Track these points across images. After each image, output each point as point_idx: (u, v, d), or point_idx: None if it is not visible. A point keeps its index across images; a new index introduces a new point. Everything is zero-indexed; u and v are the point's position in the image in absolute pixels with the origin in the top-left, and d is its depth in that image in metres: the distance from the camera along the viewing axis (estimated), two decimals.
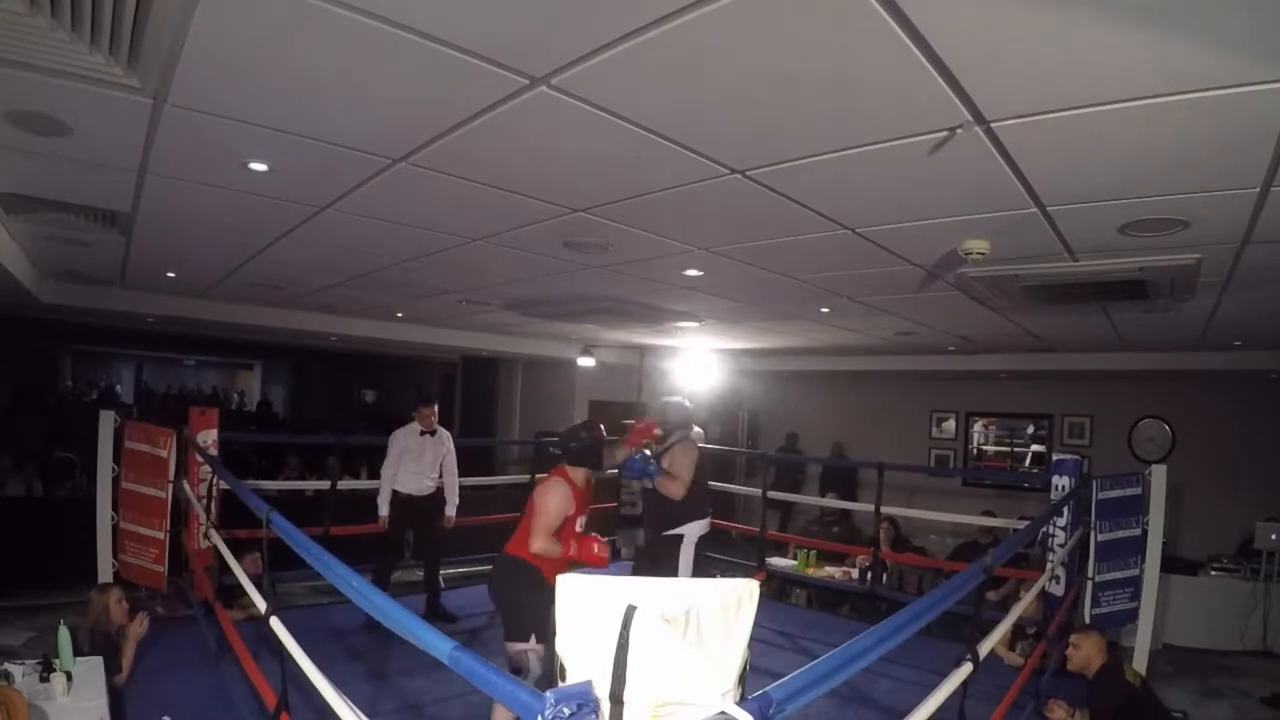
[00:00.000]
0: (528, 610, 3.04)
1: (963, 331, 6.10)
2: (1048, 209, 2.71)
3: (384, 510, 5.03)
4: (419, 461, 5.15)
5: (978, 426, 8.91)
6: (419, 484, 5.17)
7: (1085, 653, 3.54)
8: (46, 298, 5.75)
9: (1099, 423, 8.06)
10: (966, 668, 2.26)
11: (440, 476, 5.28)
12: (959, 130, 2.01)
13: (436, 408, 5.38)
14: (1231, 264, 3.32)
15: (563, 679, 1.26)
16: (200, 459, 4.61)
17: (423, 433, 5.19)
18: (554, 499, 3.17)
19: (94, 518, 4.71)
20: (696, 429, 7.39)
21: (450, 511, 5.29)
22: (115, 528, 4.74)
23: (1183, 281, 3.53)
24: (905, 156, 2.26)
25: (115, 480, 4.77)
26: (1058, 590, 4.46)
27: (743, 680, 1.29)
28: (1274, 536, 5.86)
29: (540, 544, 3.13)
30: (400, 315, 7.13)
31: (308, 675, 2.18)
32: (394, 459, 5.09)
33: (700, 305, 5.54)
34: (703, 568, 4.57)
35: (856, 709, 3.94)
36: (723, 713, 1.22)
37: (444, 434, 5.28)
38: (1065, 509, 4.36)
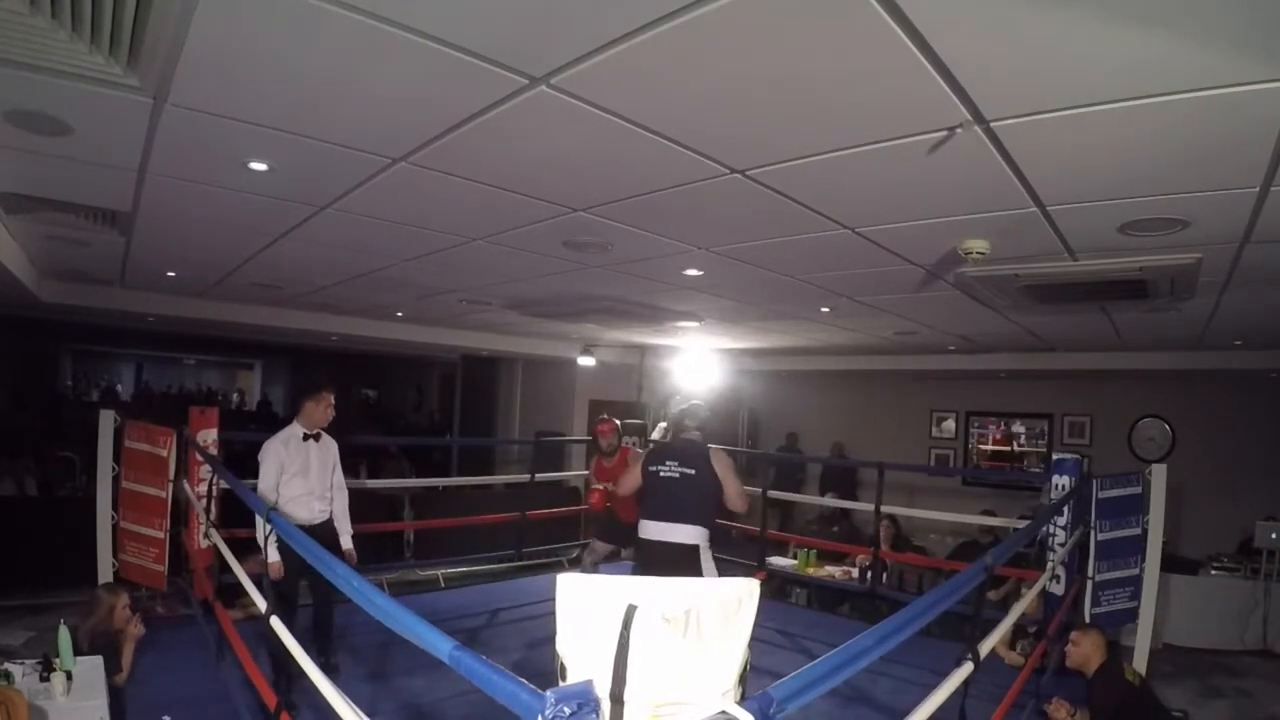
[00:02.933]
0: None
1: (963, 331, 6.10)
2: (1047, 208, 2.71)
3: (273, 554, 3.32)
4: (305, 478, 3.81)
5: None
6: (309, 509, 3.81)
7: (1084, 650, 3.55)
8: (46, 297, 5.75)
9: (1099, 423, 8.06)
10: (967, 667, 2.26)
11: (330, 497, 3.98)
12: (958, 130, 2.01)
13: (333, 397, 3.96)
14: (1231, 264, 3.32)
15: (563, 679, 1.26)
16: (200, 458, 4.61)
17: (306, 436, 3.85)
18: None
19: (94, 517, 4.71)
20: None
21: (347, 543, 3.97)
22: (115, 527, 4.74)
23: (1183, 281, 3.53)
24: (905, 156, 2.26)
25: (115, 480, 4.77)
26: (1058, 590, 4.46)
27: (743, 680, 1.30)
28: (1274, 535, 5.86)
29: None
30: (400, 315, 7.13)
31: (308, 675, 2.18)
32: (272, 480, 3.72)
33: (700, 305, 5.54)
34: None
35: (856, 709, 3.94)
36: (723, 712, 1.22)
37: (329, 439, 4.00)
38: (1065, 508, 4.36)
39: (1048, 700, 3.62)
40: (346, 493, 4.08)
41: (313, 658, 3.51)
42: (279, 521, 2.57)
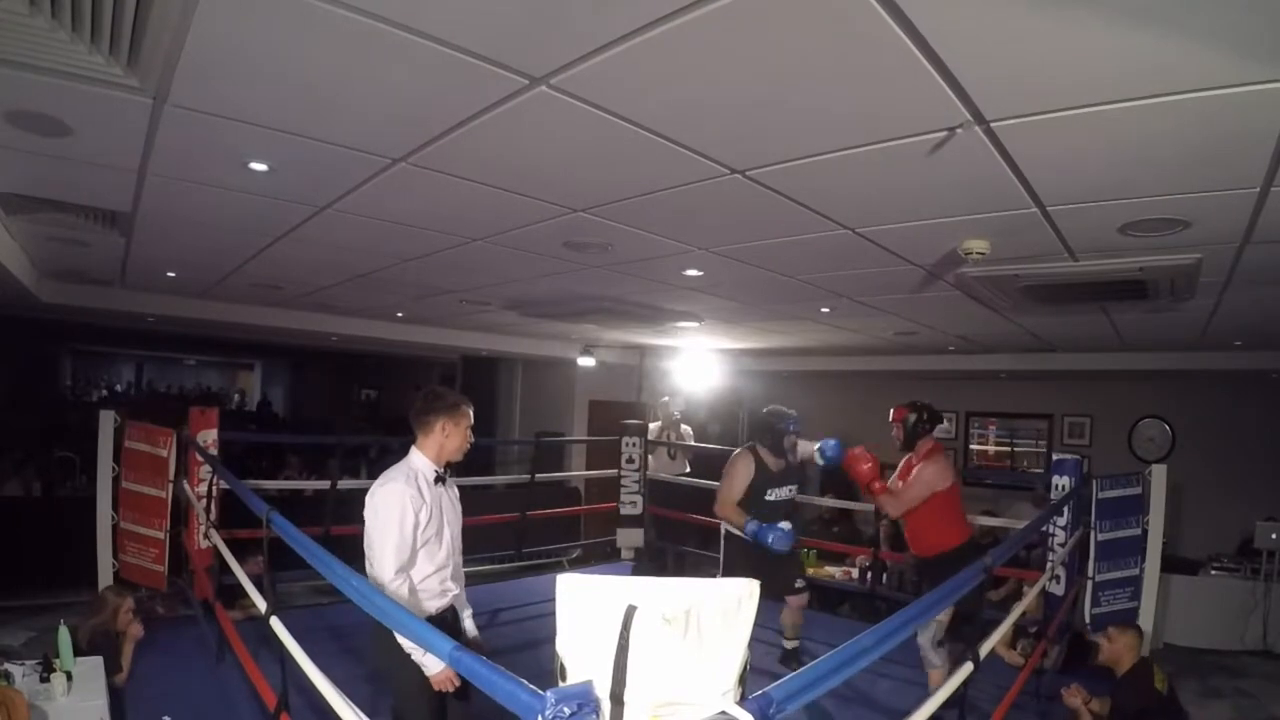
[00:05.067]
0: None
1: (963, 331, 6.10)
2: (1048, 209, 2.71)
3: (437, 662, 2.28)
4: (440, 543, 2.54)
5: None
6: (444, 591, 2.58)
7: (1117, 648, 3.51)
8: (46, 297, 5.74)
9: (1099, 423, 8.06)
10: (967, 668, 2.27)
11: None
12: (959, 130, 2.01)
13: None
14: (1232, 264, 3.32)
15: (563, 679, 1.26)
16: (200, 459, 4.61)
17: (439, 478, 2.59)
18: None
19: (94, 518, 4.71)
20: (686, 427, 7.40)
21: (472, 627, 2.76)
22: (115, 528, 4.74)
23: (1183, 281, 3.53)
24: (905, 156, 2.26)
25: (115, 480, 4.77)
26: (1058, 590, 4.46)
27: (743, 680, 1.30)
28: (1274, 536, 5.86)
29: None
30: (400, 315, 7.13)
31: (308, 675, 2.18)
32: (403, 552, 2.41)
33: (700, 305, 5.53)
34: (704, 570, 4.61)
35: (856, 709, 3.94)
36: (723, 712, 1.22)
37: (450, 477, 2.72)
38: (1065, 509, 4.36)
39: (1066, 686, 3.59)
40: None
41: None
42: (279, 521, 2.55)
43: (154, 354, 20.14)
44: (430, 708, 2.42)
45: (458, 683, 2.33)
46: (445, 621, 2.55)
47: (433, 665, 2.30)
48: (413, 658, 2.31)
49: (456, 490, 2.74)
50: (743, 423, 10.47)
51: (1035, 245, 3.17)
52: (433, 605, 2.53)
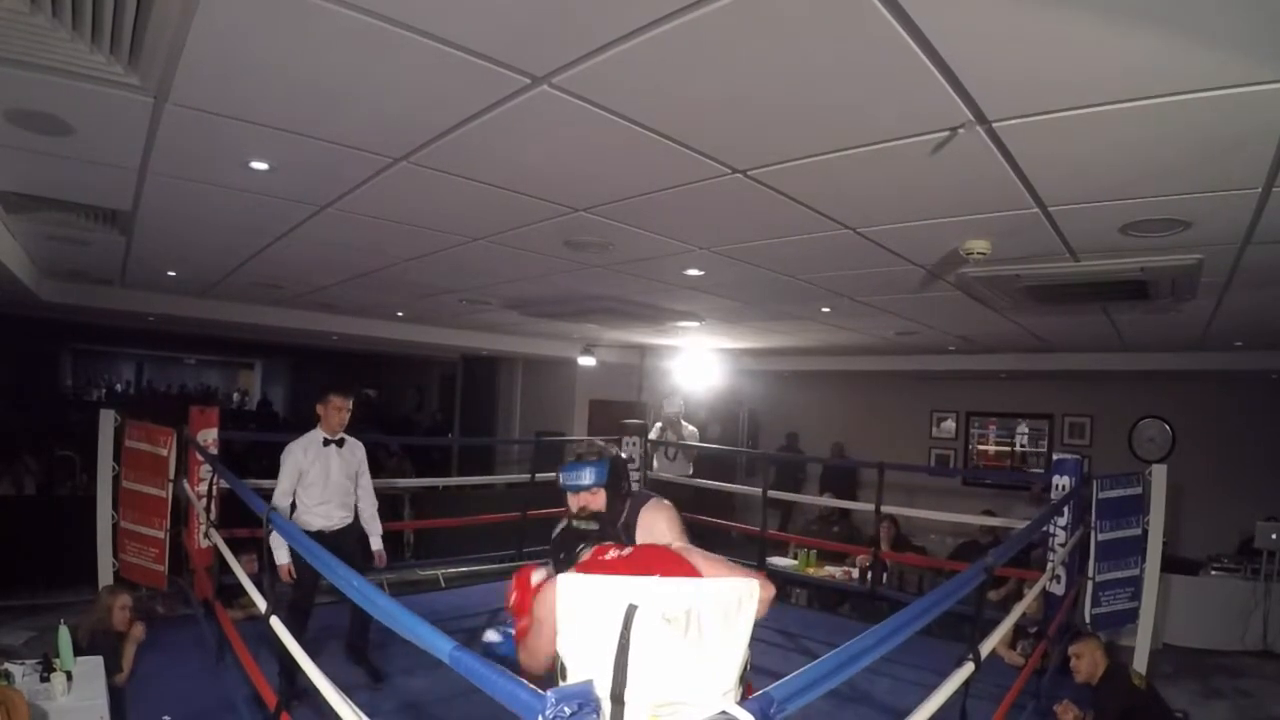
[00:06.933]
0: None
1: (963, 331, 6.10)
2: (1049, 209, 2.71)
3: (283, 556, 3.57)
4: (326, 485, 3.90)
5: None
6: (328, 515, 3.91)
7: (1089, 660, 3.55)
8: (46, 296, 5.74)
9: (1099, 423, 8.06)
10: (968, 668, 2.26)
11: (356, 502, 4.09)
12: (960, 130, 2.00)
13: (352, 401, 4.08)
14: (1233, 264, 3.32)
15: (563, 679, 1.26)
16: (200, 458, 4.61)
17: (328, 441, 3.96)
18: None
19: (94, 517, 4.71)
20: (690, 427, 7.38)
21: (378, 544, 4.13)
22: (115, 527, 4.74)
23: (1184, 282, 3.53)
24: (907, 156, 2.26)
25: (115, 479, 4.76)
26: (1058, 590, 4.46)
27: (743, 680, 1.29)
28: (1274, 536, 5.86)
29: None
30: (400, 315, 7.13)
31: (308, 675, 2.18)
32: (288, 485, 3.82)
33: (701, 305, 5.53)
34: None
35: (856, 709, 3.94)
36: (723, 712, 1.22)
37: (354, 443, 4.10)
38: (1066, 509, 4.36)
39: (1058, 701, 3.61)
40: (374, 496, 4.16)
41: (351, 649, 4.07)
42: (278, 521, 2.57)
43: (154, 353, 20.12)
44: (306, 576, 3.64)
45: (289, 577, 3.61)
46: (323, 536, 3.71)
47: (280, 558, 3.55)
48: (273, 551, 3.39)
49: (358, 448, 4.10)
50: (743, 422, 10.47)
51: (1036, 245, 3.17)
52: (315, 524, 3.83)
